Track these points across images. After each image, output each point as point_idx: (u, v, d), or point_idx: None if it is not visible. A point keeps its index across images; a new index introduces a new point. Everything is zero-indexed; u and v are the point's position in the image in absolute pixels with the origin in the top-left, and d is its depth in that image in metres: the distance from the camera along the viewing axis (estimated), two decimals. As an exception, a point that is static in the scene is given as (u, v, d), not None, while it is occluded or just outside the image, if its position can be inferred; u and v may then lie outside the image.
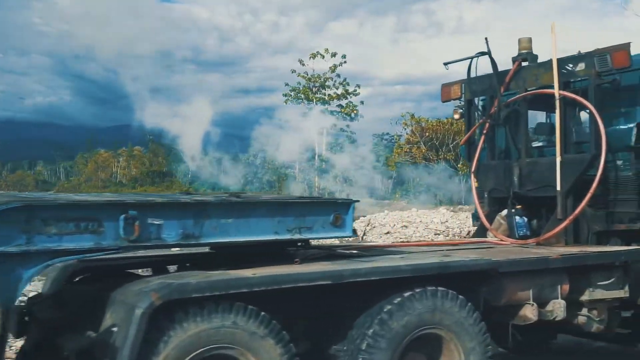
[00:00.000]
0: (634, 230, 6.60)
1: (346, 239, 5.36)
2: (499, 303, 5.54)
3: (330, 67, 51.04)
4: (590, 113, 6.39)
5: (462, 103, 7.79)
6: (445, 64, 7.10)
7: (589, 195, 6.31)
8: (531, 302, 5.58)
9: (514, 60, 7.19)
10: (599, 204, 6.79)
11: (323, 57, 51.42)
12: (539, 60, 7.12)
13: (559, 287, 5.74)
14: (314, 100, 60.66)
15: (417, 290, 4.87)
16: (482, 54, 7.05)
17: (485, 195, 7.47)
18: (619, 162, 6.78)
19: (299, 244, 5.19)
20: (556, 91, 6.67)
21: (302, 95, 62.43)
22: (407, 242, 7.01)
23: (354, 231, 5.24)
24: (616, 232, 6.69)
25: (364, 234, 20.49)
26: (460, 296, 5.07)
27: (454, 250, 6.11)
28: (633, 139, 6.41)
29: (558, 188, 6.59)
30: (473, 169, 7.57)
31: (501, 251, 6.09)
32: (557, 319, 5.71)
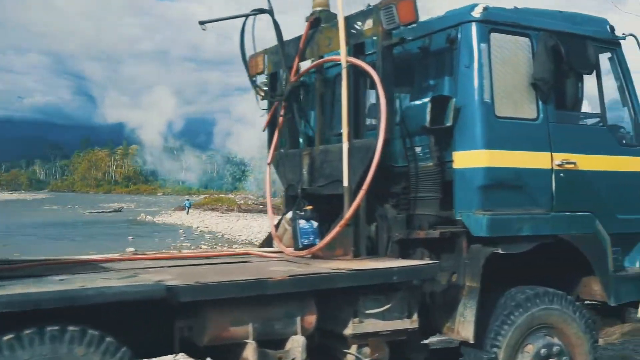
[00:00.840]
0: (445, 239, 5.05)
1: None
2: (202, 342, 4.02)
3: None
4: (375, 84, 4.84)
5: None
6: (201, 22, 5.48)
7: (362, 194, 4.76)
8: (250, 340, 4.05)
9: (307, 20, 5.62)
10: (403, 205, 5.24)
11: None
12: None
13: (298, 319, 4.21)
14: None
15: (28, 331, 3.36)
16: (261, 11, 5.47)
17: (283, 193, 5.94)
18: (418, 149, 5.21)
19: None
20: (343, 58, 5.12)
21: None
22: (142, 254, 5.43)
23: None
24: (422, 240, 5.13)
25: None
26: (109, 338, 3.55)
27: (172, 267, 4.60)
28: (427, 117, 4.83)
29: (345, 183, 5.04)
30: (269, 160, 6.02)
31: (226, 269, 4.57)
32: (296, 362, 4.18)
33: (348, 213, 4.79)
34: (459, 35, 5.00)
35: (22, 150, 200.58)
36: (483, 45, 4.93)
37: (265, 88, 6.24)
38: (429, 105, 4.82)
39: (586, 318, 5.25)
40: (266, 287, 3.98)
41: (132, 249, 22.31)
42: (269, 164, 6.04)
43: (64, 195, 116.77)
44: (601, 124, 5.56)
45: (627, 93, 5.70)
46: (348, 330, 4.45)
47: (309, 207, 5.44)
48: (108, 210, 67.75)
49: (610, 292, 5.37)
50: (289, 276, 4.07)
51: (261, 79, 6.45)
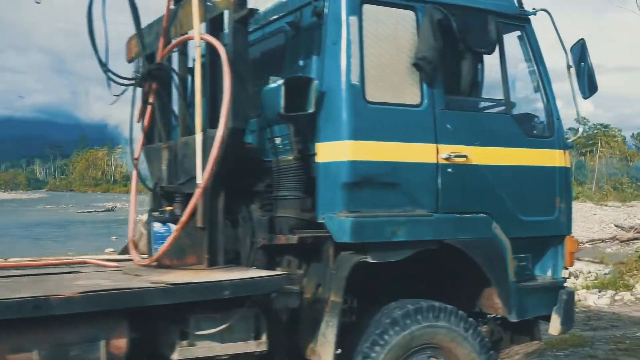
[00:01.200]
0: (311, 245, 4.34)
1: None
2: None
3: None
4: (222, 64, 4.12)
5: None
6: (35, -5, 4.76)
7: (199, 192, 4.04)
8: (36, 369, 3.35)
9: (168, -6, 4.90)
10: (267, 205, 4.53)
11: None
12: None
13: (102, 343, 3.49)
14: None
15: None
16: (110, -17, 4.76)
17: (150, 192, 5.22)
18: (278, 140, 4.49)
19: None
20: (196, 35, 4.41)
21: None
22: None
23: None
24: (290, 247, 4.42)
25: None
26: None
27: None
28: (282, 103, 4.10)
29: (198, 180, 4.32)
30: (137, 155, 5.31)
31: (29, 283, 3.87)
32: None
33: (184, 215, 4.08)
34: (326, 8, 4.29)
35: (22, 149, 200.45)
36: (352, 19, 4.22)
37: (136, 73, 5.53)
38: (283, 88, 4.09)
39: (481, 337, 4.52)
40: (48, 307, 3.26)
41: (112, 249, 21.71)
42: (136, 158, 5.31)
43: (61, 195, 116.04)
44: (505, 112, 4.83)
45: (538, 77, 4.97)
46: (175, 356, 3.74)
47: (169, 208, 4.73)
48: (100, 210, 67.06)
49: (511, 306, 4.64)
50: (80, 293, 3.36)
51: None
